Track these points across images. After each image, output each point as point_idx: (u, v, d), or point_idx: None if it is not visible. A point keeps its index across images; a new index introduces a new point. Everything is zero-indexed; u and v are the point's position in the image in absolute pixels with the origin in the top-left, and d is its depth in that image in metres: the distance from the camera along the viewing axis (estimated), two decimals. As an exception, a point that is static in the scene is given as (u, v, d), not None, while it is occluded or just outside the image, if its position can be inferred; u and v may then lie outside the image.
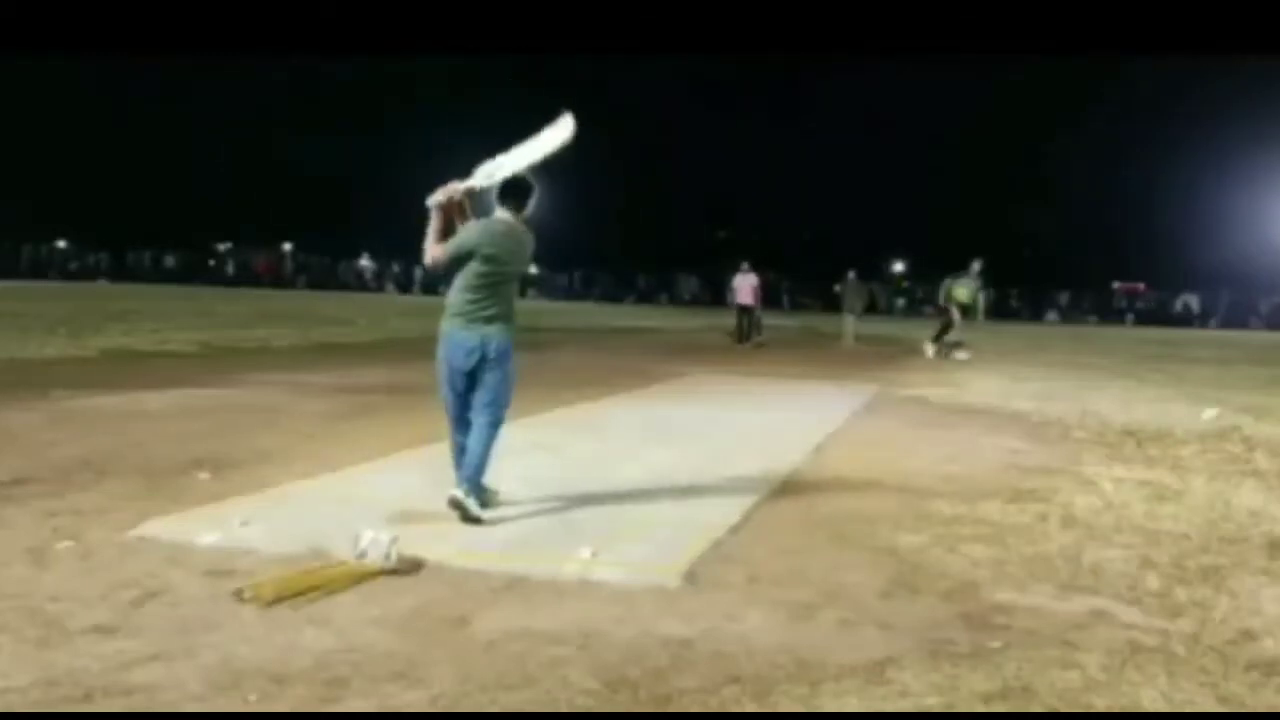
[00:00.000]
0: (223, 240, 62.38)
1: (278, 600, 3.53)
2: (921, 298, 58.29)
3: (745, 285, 20.03)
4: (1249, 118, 45.45)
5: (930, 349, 17.56)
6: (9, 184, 49.62)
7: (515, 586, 3.89)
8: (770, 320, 35.48)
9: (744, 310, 20.08)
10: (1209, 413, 9.87)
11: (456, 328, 4.87)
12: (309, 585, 3.68)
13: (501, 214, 5.04)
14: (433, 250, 4.96)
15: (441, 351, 4.91)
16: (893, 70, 52.70)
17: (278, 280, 55.52)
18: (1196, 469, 7.02)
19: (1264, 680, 3.25)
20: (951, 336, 17.53)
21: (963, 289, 17.34)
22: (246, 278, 55.87)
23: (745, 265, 20.29)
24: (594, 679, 3.07)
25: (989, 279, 17.54)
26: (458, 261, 4.91)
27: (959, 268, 17.78)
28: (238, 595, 3.59)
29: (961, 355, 17.01)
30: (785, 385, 12.56)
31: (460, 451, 4.94)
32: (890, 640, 3.47)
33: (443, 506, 5.00)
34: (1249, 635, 3.65)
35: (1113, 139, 53.97)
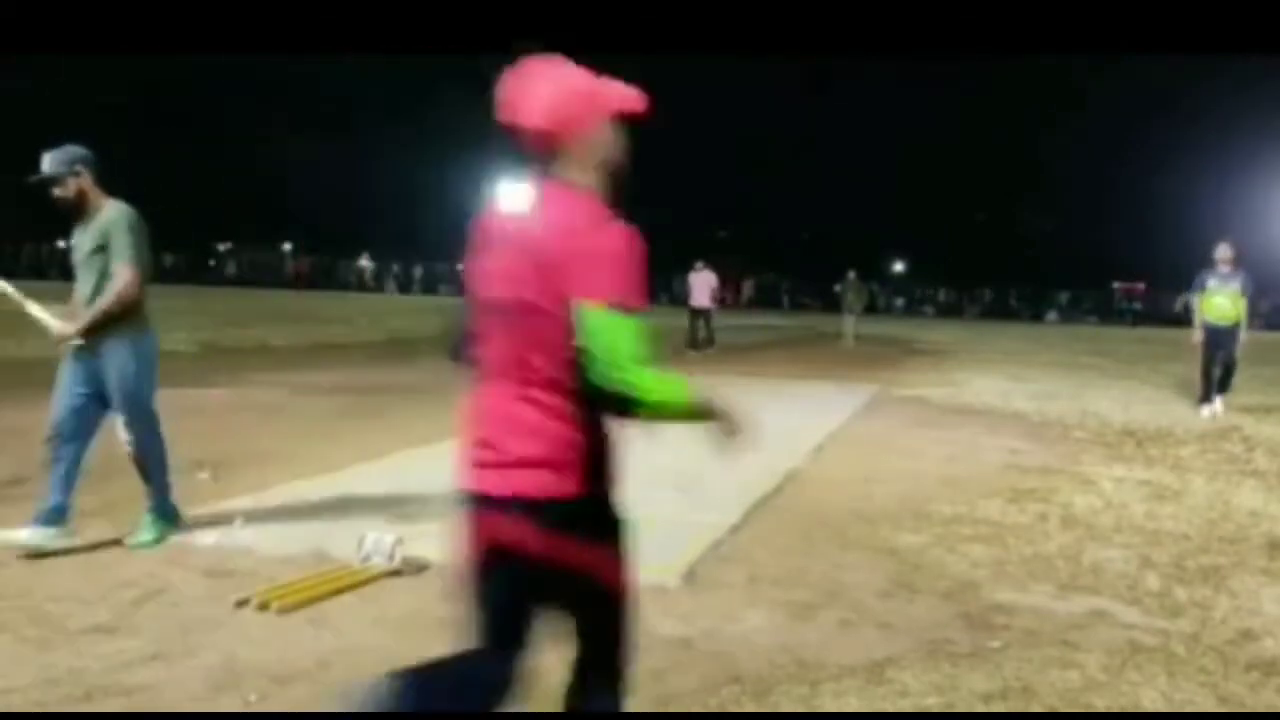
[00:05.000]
0: (223, 240, 62.36)
1: (284, 612, 3.51)
2: (920, 297, 58.38)
3: (701, 284, 18.01)
4: (1249, 117, 45.47)
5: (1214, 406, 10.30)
6: (9, 184, 49.64)
7: (515, 586, 3.89)
8: (770, 320, 35.42)
9: (697, 313, 17.99)
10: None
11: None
12: (316, 595, 3.66)
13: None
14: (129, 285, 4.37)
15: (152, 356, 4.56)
16: (893, 70, 52.69)
17: (311, 283, 54.29)
18: (1196, 469, 7.02)
19: (1264, 680, 3.25)
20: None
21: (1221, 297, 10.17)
22: (259, 280, 55.50)
23: (699, 264, 18.25)
24: (594, 679, 3.06)
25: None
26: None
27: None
28: (242, 604, 3.56)
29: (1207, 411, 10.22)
30: (785, 385, 12.56)
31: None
32: (890, 640, 3.48)
33: (443, 506, 5.00)
34: (1249, 635, 3.65)
35: (1113, 139, 54.00)
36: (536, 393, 1.90)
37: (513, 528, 1.90)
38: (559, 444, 1.89)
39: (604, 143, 1.98)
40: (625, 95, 1.99)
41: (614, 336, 1.80)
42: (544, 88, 1.93)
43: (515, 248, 1.93)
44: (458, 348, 2.11)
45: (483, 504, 1.95)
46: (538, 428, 1.89)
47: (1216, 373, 10.23)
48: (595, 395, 1.84)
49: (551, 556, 1.89)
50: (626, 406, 1.84)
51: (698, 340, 17.78)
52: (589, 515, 1.93)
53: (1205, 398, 10.30)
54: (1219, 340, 10.17)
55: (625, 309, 1.82)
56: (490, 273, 1.98)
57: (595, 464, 1.92)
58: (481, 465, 1.96)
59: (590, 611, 1.99)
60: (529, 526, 1.88)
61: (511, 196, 2.05)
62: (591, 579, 1.94)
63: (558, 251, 1.86)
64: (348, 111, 58.27)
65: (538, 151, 1.96)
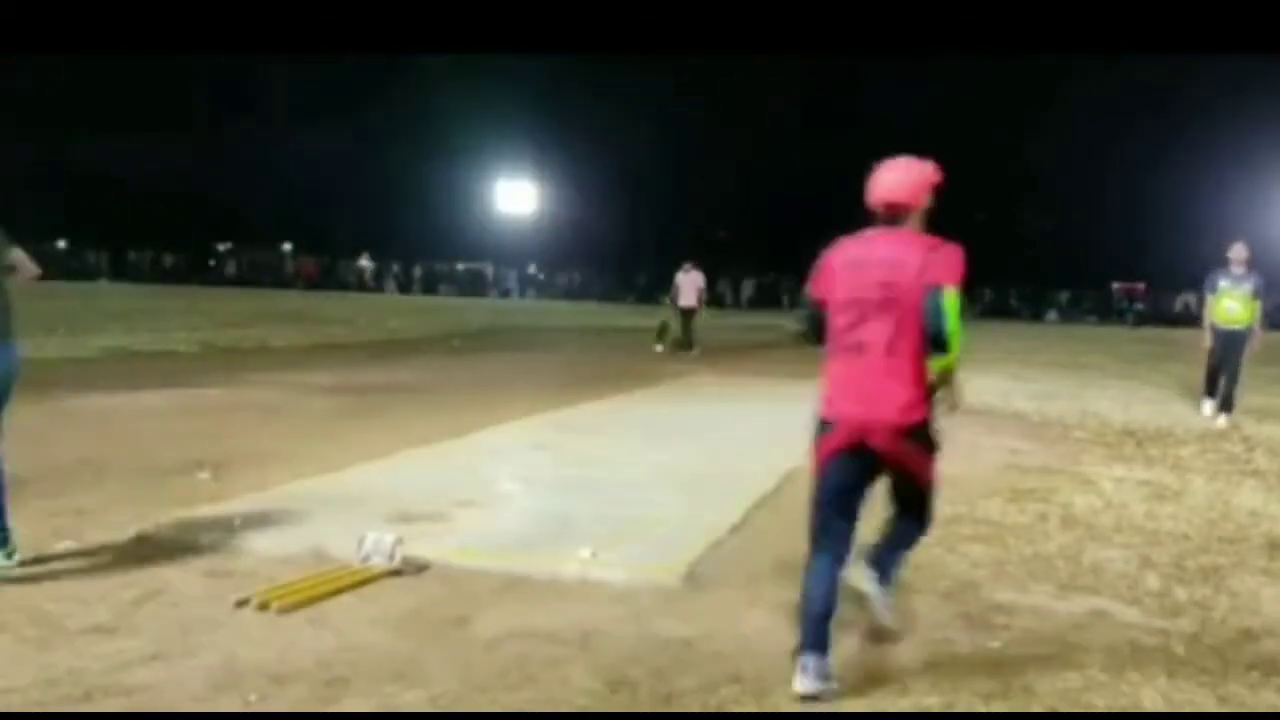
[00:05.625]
0: (223, 240, 62.34)
1: (284, 612, 3.51)
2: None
3: (688, 285, 17.54)
4: (1248, 116, 45.43)
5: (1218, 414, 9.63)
6: (9, 184, 49.59)
7: (515, 586, 3.89)
8: (771, 320, 35.24)
9: (687, 313, 17.52)
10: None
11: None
12: (316, 595, 3.66)
13: None
14: None
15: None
16: (892, 70, 52.67)
17: (316, 284, 53.72)
18: (1196, 469, 7.02)
19: (1264, 680, 3.25)
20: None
21: (1231, 299, 9.46)
22: (259, 280, 55.30)
23: (687, 264, 17.73)
24: (594, 679, 3.07)
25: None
26: None
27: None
28: (242, 604, 3.56)
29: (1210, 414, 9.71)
30: (785, 385, 12.55)
31: None
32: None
33: (443, 506, 5.01)
34: (1249, 635, 3.65)
35: (1112, 138, 53.96)
36: (896, 358, 3.07)
37: (887, 441, 3.08)
38: (911, 390, 3.07)
39: (929, 206, 3.23)
40: (936, 174, 3.24)
41: (953, 312, 3.01)
42: (902, 178, 3.23)
43: (889, 268, 3.09)
44: (813, 335, 3.40)
45: (853, 425, 3.13)
46: (898, 379, 3.07)
47: (1221, 379, 9.63)
48: (938, 349, 3.05)
49: (902, 458, 3.12)
50: (946, 351, 3.05)
51: (688, 342, 17.31)
52: (925, 434, 3.13)
53: (1209, 393, 9.81)
54: (1228, 344, 9.52)
55: (958, 290, 3.04)
56: (866, 280, 3.11)
57: (928, 403, 3.11)
58: (859, 397, 3.12)
59: (914, 491, 3.24)
60: (900, 441, 3.09)
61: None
62: (919, 472, 3.18)
63: (924, 266, 3.05)
64: (348, 111, 58.24)
65: (895, 214, 3.19)
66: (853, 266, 3.19)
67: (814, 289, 3.38)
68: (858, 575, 3.30)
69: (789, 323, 3.74)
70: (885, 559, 3.37)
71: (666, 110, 56.47)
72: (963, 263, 3.07)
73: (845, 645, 3.43)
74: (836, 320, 3.21)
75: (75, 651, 3.12)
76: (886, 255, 3.12)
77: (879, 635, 3.41)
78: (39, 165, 51.76)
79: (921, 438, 3.13)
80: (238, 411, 8.36)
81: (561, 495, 5.46)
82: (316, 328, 20.17)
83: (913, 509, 3.33)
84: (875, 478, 3.21)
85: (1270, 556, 4.74)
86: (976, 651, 3.39)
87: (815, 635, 3.06)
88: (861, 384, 3.13)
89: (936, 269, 3.04)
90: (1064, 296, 55.03)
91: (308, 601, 3.60)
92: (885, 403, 3.07)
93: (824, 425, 3.25)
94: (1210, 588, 4.19)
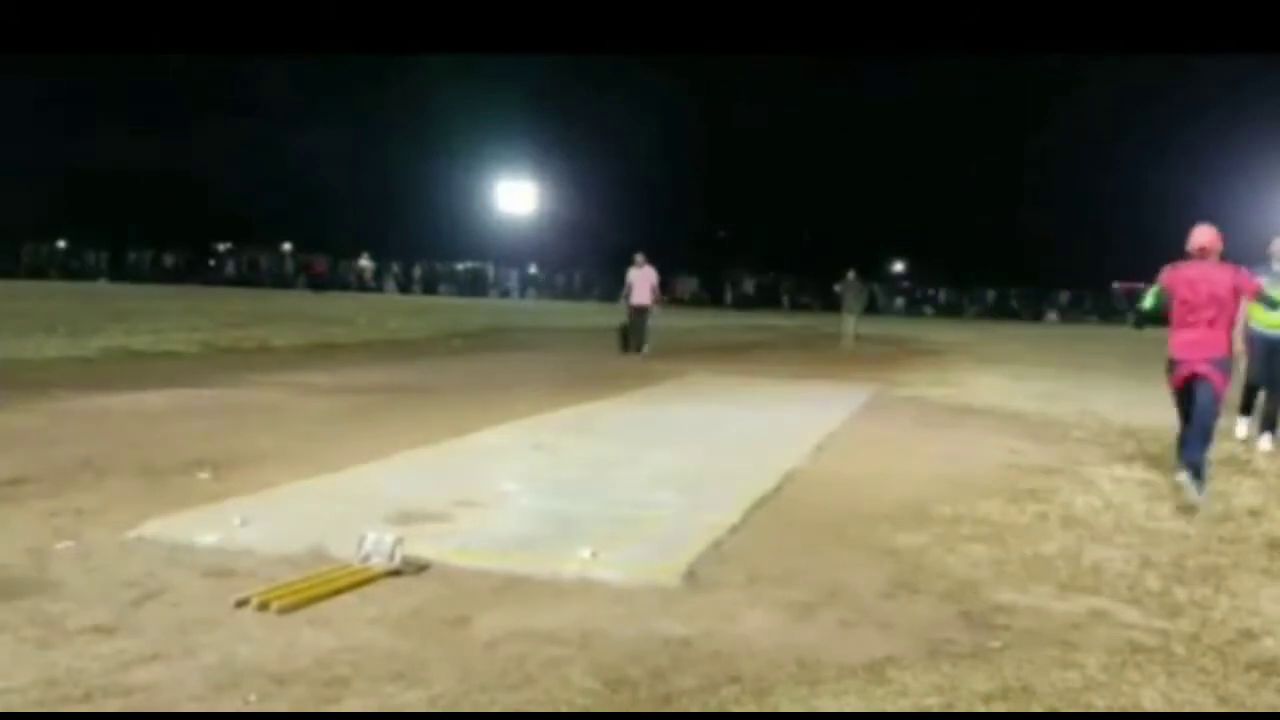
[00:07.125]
0: (223, 240, 62.35)
1: (284, 612, 3.51)
2: (920, 297, 58.40)
3: (641, 281, 16.31)
4: (1247, 115, 45.43)
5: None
6: (9, 183, 49.56)
7: (515, 586, 3.89)
8: (770, 320, 35.19)
9: (639, 311, 16.29)
10: None
11: None
12: (316, 595, 3.66)
13: None
14: None
15: None
16: (893, 69, 52.73)
17: (323, 283, 53.38)
18: (1196, 469, 7.01)
19: (1264, 680, 3.25)
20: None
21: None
22: (259, 280, 55.16)
23: (640, 258, 16.48)
24: (594, 679, 3.07)
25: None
26: None
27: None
28: (242, 604, 3.55)
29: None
30: (785, 385, 12.56)
31: None
32: (890, 640, 3.47)
33: (443, 506, 5.01)
34: (1249, 635, 3.65)
35: (1111, 138, 54.00)
36: (1216, 327, 5.80)
37: (1203, 368, 5.78)
38: (1223, 339, 5.84)
39: (1221, 249, 5.90)
40: (1221, 235, 5.92)
41: (1265, 297, 6.17)
42: (1210, 236, 5.89)
43: (1210, 281, 5.81)
44: (1156, 312, 6.15)
45: (1190, 362, 5.81)
46: (1217, 335, 5.81)
47: (1260, 395, 8.40)
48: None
49: (1212, 379, 5.77)
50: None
51: (640, 343, 16.25)
52: (1227, 363, 5.88)
53: (1245, 410, 8.62)
54: (1268, 351, 8.18)
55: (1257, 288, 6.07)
56: (1198, 288, 5.80)
57: (1230, 346, 5.92)
58: (1193, 348, 5.80)
59: (1209, 401, 5.76)
60: (1210, 367, 5.77)
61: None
62: (1217, 388, 5.78)
63: (1230, 279, 5.85)
64: (348, 111, 58.22)
65: (1205, 254, 5.86)
66: (1190, 282, 5.82)
67: (1167, 283, 5.96)
68: (1181, 478, 5.72)
69: (1144, 300, 6.17)
70: (1192, 455, 5.72)
71: (667, 110, 56.44)
72: (1249, 275, 6.00)
73: (845, 646, 3.43)
74: (1180, 308, 5.85)
75: (75, 651, 3.12)
76: (1210, 275, 5.78)
77: (1190, 509, 5.55)
78: (39, 164, 51.70)
79: (1225, 367, 5.80)
80: (238, 411, 8.36)
81: (561, 495, 5.46)
82: (316, 328, 20.15)
83: (1203, 418, 5.74)
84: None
85: (1270, 556, 4.74)
86: (976, 651, 3.39)
87: (1190, 464, 5.66)
88: (1195, 341, 5.78)
89: (1244, 282, 5.85)
90: (1064, 296, 55.03)
91: (308, 601, 3.60)
92: (1207, 349, 5.74)
93: (1174, 364, 5.87)
94: (1210, 588, 4.19)
